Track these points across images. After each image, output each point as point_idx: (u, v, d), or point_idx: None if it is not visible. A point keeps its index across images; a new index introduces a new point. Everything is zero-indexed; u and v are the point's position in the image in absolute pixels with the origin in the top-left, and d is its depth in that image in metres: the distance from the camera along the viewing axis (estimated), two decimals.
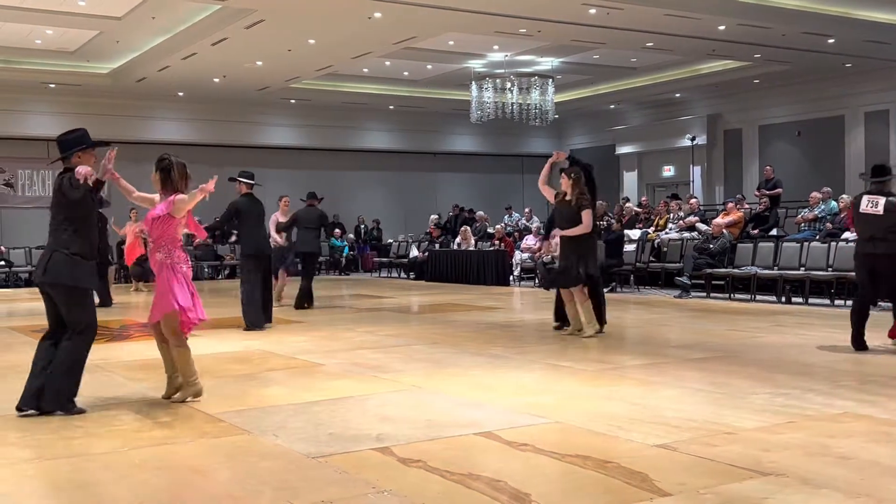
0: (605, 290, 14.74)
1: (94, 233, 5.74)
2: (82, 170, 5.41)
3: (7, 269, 19.80)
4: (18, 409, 5.51)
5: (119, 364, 7.55)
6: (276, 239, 12.78)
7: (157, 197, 6.08)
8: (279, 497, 3.83)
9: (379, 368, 7.18)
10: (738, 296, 13.71)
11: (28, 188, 22.00)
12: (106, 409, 5.71)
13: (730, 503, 3.63)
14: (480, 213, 22.38)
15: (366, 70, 20.32)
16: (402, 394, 6.14)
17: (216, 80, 20.04)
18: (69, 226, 5.59)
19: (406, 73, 21.04)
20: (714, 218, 16.05)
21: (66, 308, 5.59)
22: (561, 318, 9.54)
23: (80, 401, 5.69)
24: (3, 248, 20.18)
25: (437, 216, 23.31)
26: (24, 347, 8.85)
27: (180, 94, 21.66)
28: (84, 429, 5.15)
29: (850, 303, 12.43)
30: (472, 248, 19.39)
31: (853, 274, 12.25)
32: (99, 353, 8.13)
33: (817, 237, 14.21)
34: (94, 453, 4.63)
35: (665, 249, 15.90)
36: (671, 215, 17.15)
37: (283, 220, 12.99)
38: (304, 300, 12.77)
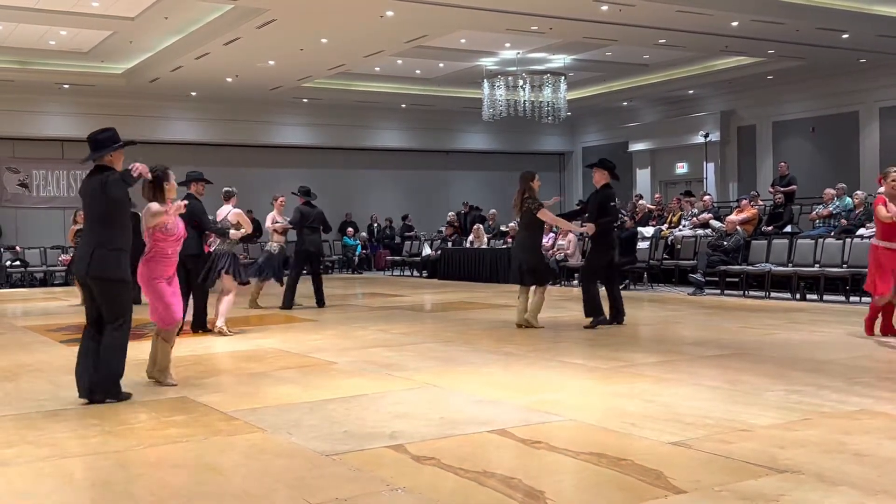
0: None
1: (130, 229, 6.00)
2: (140, 167, 5.79)
3: (22, 269, 19.92)
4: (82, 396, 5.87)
5: (135, 362, 7.57)
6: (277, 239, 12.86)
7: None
8: (294, 495, 3.84)
9: (392, 366, 7.19)
10: (752, 293, 13.66)
11: (42, 188, 22.13)
12: (122, 407, 5.74)
13: (745, 500, 3.61)
14: (493, 210, 22.35)
15: (378, 69, 20.33)
16: (415, 392, 6.14)
17: (229, 79, 20.10)
18: (110, 222, 5.83)
19: (418, 72, 21.05)
20: (728, 215, 15.99)
21: (108, 300, 5.84)
22: (594, 311, 9.60)
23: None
24: (18, 247, 20.31)
25: (453, 214, 23.29)
26: (40, 347, 8.92)
27: (193, 93, 21.74)
28: (100, 427, 5.18)
29: (865, 299, 12.38)
30: (484, 247, 19.37)
31: (867, 270, 12.26)
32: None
33: (832, 233, 14.13)
34: (110, 451, 4.65)
35: (679, 246, 15.86)
36: (684, 212, 17.09)
37: (280, 219, 12.93)
38: (321, 300, 12.80)
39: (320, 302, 12.86)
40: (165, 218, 6.18)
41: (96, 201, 5.83)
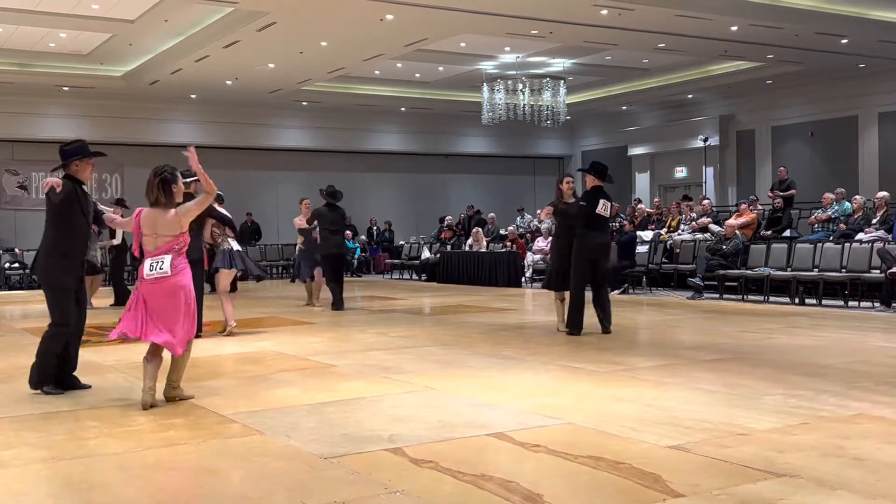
0: (617, 291, 14.96)
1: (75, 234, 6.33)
2: (51, 181, 6.12)
3: (21, 271, 19.91)
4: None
5: (132, 365, 7.57)
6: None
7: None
8: (292, 497, 3.84)
9: (391, 369, 7.19)
10: (751, 297, 13.66)
11: (41, 191, 22.07)
12: (119, 409, 5.74)
13: None
14: (492, 214, 22.36)
15: (377, 72, 20.35)
16: (414, 395, 6.14)
17: (228, 82, 20.12)
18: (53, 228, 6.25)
19: (418, 75, 21.07)
20: (727, 219, 16.00)
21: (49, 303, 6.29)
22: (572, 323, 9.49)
23: (93, 401, 5.93)
24: (17, 249, 20.30)
25: (450, 218, 23.32)
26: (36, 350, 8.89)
27: (193, 96, 21.75)
28: (98, 429, 5.17)
29: (864, 304, 12.40)
30: (483, 250, 19.38)
31: (867, 275, 12.28)
32: (113, 355, 8.19)
33: (831, 238, 14.14)
34: (107, 454, 4.65)
35: (678, 251, 15.86)
36: (683, 216, 17.10)
37: (303, 221, 13.05)
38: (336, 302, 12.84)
39: (336, 304, 12.72)
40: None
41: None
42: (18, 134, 21.31)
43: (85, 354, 8.34)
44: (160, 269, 5.71)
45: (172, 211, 5.87)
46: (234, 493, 3.95)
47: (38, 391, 6.21)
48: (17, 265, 19.90)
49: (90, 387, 6.44)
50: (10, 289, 19.40)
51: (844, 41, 16.89)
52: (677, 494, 3.74)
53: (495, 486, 3.89)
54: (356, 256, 23.78)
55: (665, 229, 17.30)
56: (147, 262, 5.76)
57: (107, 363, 7.84)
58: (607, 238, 9.83)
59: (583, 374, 6.90)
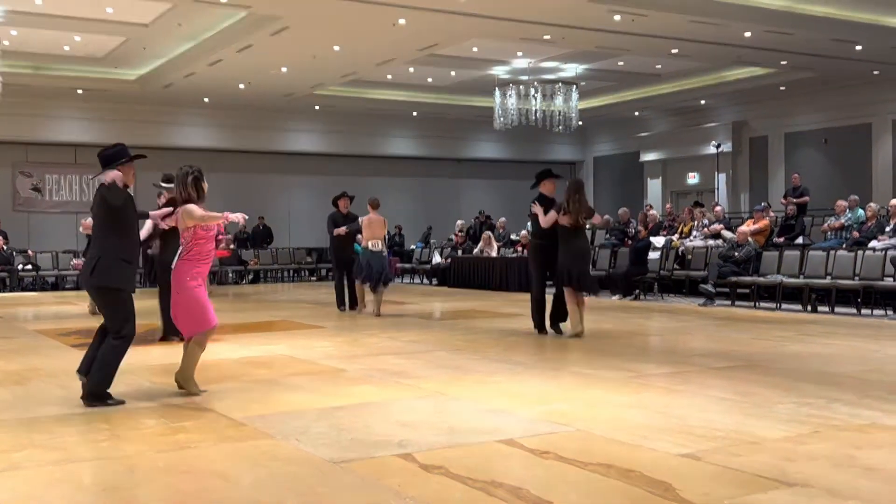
0: (627, 297, 15.01)
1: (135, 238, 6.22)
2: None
3: (34, 273, 20.02)
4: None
5: (144, 367, 7.60)
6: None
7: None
8: (302, 502, 3.84)
9: (401, 374, 7.19)
10: (763, 304, 13.60)
11: (55, 193, 22.26)
12: (131, 411, 5.76)
13: None
14: (502, 219, 22.34)
15: (390, 77, 20.38)
16: (424, 400, 6.14)
17: (241, 86, 20.18)
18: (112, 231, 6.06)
19: (430, 80, 21.08)
20: (739, 225, 15.94)
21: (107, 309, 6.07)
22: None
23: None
24: (30, 251, 20.41)
25: (461, 222, 23.31)
26: (50, 352, 8.95)
27: (206, 100, 21.83)
28: (110, 431, 5.19)
29: (877, 312, 12.33)
30: (494, 255, 19.36)
31: (880, 283, 12.21)
32: (125, 357, 8.20)
33: (844, 245, 14.07)
34: (119, 456, 4.66)
35: (689, 257, 15.81)
36: (696, 223, 17.05)
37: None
38: (353, 302, 13.12)
39: (353, 303, 13.08)
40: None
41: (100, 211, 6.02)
42: (33, 136, 21.44)
43: None
44: (174, 262, 6.31)
45: (180, 209, 6.27)
46: (245, 497, 3.96)
47: (103, 404, 5.94)
48: (30, 267, 20.00)
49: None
50: (24, 290, 19.50)
51: (858, 48, 16.81)
52: (688, 503, 3.72)
53: (505, 493, 3.88)
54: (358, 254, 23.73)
55: (677, 235, 17.25)
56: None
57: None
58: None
59: (594, 380, 6.88)
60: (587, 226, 10.19)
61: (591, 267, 9.65)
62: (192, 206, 6.24)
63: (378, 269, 12.33)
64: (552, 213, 9.65)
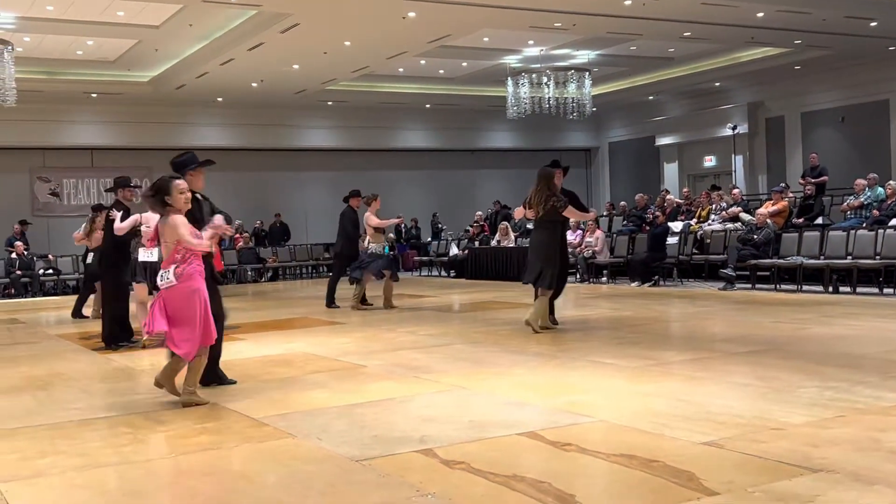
0: (646, 283, 14.94)
1: None
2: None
3: (55, 277, 20.17)
4: None
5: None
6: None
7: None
8: (325, 501, 3.85)
9: (421, 369, 7.18)
10: (783, 286, 13.51)
11: (73, 197, 22.42)
12: (152, 414, 5.78)
13: (779, 502, 3.57)
14: (518, 209, 22.25)
15: (401, 70, 20.36)
16: (444, 394, 6.13)
17: (254, 84, 20.22)
18: None
19: (441, 72, 21.04)
20: (757, 208, 15.82)
21: None
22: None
23: (127, 406, 5.99)
24: (50, 255, 20.56)
25: (480, 213, 23.28)
26: (73, 356, 9.02)
27: (219, 99, 21.90)
28: (132, 435, 5.22)
29: None
30: (511, 245, 19.31)
31: None
32: (145, 360, 8.26)
33: (864, 225, 13.93)
34: (141, 460, 4.69)
35: (708, 241, 15.72)
36: (713, 206, 16.94)
37: (375, 220, 12.91)
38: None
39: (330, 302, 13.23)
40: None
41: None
42: (49, 141, 21.59)
43: (119, 359, 8.45)
44: (167, 279, 5.86)
45: (169, 219, 5.87)
46: (269, 497, 3.96)
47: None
48: (51, 271, 20.15)
49: (235, 382, 6.74)
50: (45, 295, 19.65)
51: (873, 24, 16.62)
52: (711, 492, 3.70)
53: (527, 487, 3.86)
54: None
55: (695, 220, 17.15)
56: (160, 273, 5.93)
57: (139, 368, 7.92)
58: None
59: (613, 369, 6.85)
60: (562, 218, 9.90)
61: (547, 260, 9.35)
62: (177, 220, 5.85)
63: (389, 259, 12.82)
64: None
